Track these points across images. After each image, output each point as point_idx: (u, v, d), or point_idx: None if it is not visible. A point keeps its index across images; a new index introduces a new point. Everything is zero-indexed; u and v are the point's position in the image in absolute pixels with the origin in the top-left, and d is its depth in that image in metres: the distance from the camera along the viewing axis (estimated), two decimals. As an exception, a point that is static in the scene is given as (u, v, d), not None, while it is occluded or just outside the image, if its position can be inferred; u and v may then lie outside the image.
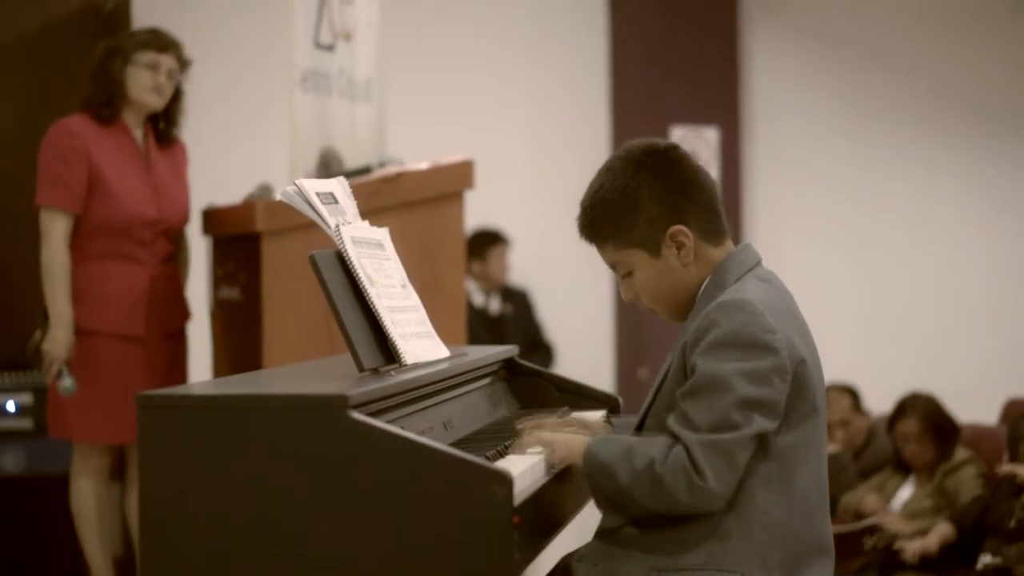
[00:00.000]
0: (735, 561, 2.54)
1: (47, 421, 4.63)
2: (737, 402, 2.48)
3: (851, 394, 6.08)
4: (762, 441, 2.53)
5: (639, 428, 2.71)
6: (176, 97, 4.69)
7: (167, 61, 4.59)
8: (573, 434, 2.76)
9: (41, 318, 4.50)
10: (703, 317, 2.56)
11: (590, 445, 2.62)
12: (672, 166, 2.68)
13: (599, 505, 2.64)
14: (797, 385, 2.55)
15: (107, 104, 4.57)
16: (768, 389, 2.50)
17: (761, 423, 2.50)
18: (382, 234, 3.11)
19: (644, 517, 2.59)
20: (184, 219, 4.72)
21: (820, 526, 2.64)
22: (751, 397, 2.49)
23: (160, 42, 4.60)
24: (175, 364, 4.69)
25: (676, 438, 2.52)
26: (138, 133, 4.64)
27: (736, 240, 2.76)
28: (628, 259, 2.71)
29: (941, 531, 4.94)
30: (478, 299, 7.60)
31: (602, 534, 2.68)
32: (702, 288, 2.68)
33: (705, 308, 2.59)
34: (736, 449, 2.49)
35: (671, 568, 2.57)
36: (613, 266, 2.74)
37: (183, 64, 4.66)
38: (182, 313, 4.75)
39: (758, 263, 2.71)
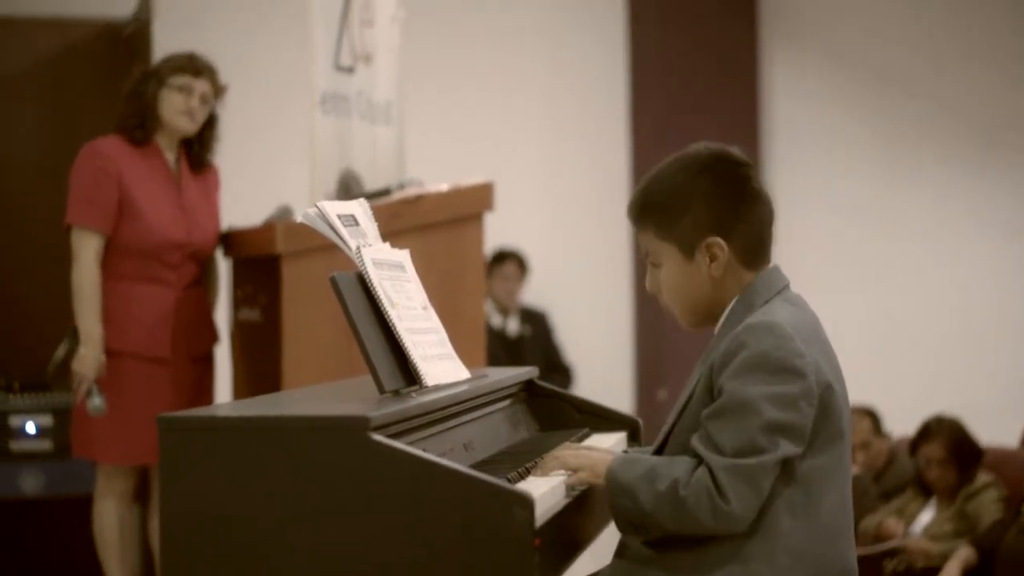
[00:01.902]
0: None
1: (71, 441, 4.63)
2: (763, 427, 2.46)
3: (871, 416, 6.07)
4: (787, 465, 2.51)
5: (660, 449, 2.70)
6: (210, 122, 4.71)
7: (200, 85, 4.61)
8: (595, 453, 2.75)
9: (70, 334, 4.52)
10: (731, 338, 2.54)
11: (613, 465, 2.61)
12: (736, 181, 2.66)
13: (619, 526, 2.63)
14: (824, 410, 2.53)
15: (140, 126, 4.59)
16: (795, 414, 2.48)
17: (787, 448, 2.48)
18: (403, 256, 3.11)
19: (666, 538, 2.57)
20: (213, 243, 4.73)
21: (844, 550, 2.62)
22: (778, 422, 2.47)
23: (194, 66, 4.63)
24: (202, 387, 4.69)
25: (700, 460, 2.51)
26: (170, 156, 4.65)
27: None
28: (662, 252, 2.68)
29: (962, 556, 4.91)
30: (495, 320, 7.60)
31: (622, 554, 2.67)
32: (730, 307, 2.65)
33: (733, 329, 2.57)
34: (760, 474, 2.47)
35: None
36: (647, 253, 2.72)
37: (217, 90, 4.67)
38: (210, 336, 4.75)
39: (786, 286, 2.69)
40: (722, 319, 2.67)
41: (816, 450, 2.54)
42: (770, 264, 2.70)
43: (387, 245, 3.07)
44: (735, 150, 2.71)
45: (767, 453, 2.46)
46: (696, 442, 2.53)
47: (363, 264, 2.88)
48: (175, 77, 4.60)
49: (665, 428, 2.71)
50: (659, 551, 2.59)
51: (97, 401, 4.42)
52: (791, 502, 2.52)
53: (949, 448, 5.30)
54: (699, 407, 2.58)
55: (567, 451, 2.78)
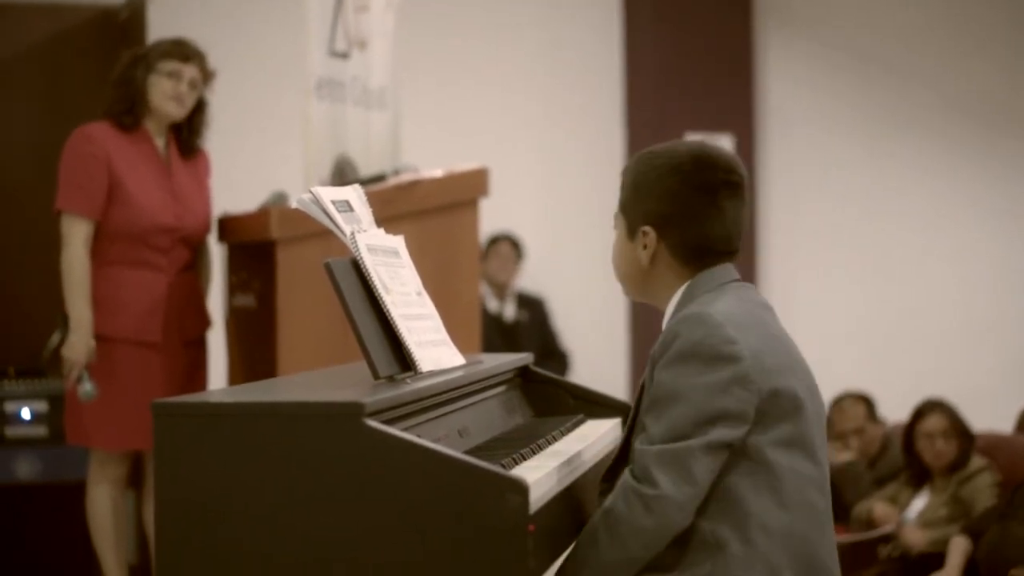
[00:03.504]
0: (739, 568, 2.54)
1: (64, 428, 4.63)
2: (691, 415, 2.53)
3: (866, 402, 6.07)
4: (741, 448, 2.55)
5: (627, 437, 2.73)
6: (199, 108, 4.70)
7: (189, 71, 4.61)
8: None
9: (60, 321, 4.51)
10: (667, 331, 2.64)
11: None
12: (702, 189, 2.72)
13: None
14: (770, 390, 2.57)
15: (128, 111, 4.59)
16: (728, 399, 2.54)
17: (721, 433, 2.53)
18: (397, 242, 3.11)
19: None
20: (205, 228, 4.72)
21: (821, 522, 2.65)
22: (706, 409, 2.53)
23: (183, 52, 4.62)
24: (195, 372, 4.70)
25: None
26: (160, 141, 4.65)
27: (748, 246, 2.79)
28: (617, 221, 2.84)
29: (961, 548, 4.90)
30: (492, 305, 7.60)
31: None
32: (674, 301, 2.75)
33: (671, 321, 2.67)
34: (687, 457, 2.51)
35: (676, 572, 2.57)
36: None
37: (206, 75, 4.67)
38: (202, 321, 4.75)
39: (733, 280, 2.74)
40: (668, 311, 2.77)
41: (769, 429, 2.57)
42: (724, 263, 2.75)
43: (381, 231, 3.07)
44: (725, 159, 2.77)
45: (692, 438, 2.52)
46: (636, 438, 2.60)
47: (357, 250, 2.88)
48: (164, 63, 4.59)
49: (629, 419, 2.78)
50: None
51: (88, 387, 4.42)
52: (755, 482, 2.56)
53: (950, 421, 5.32)
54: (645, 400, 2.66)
55: None
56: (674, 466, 2.51)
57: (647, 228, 2.73)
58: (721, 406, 2.53)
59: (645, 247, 2.75)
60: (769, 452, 2.57)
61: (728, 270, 2.75)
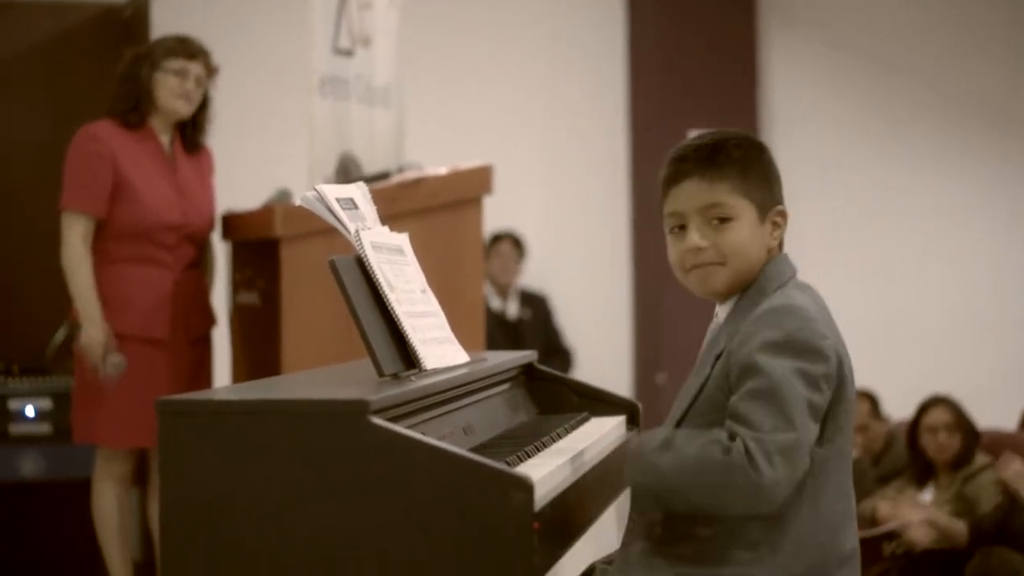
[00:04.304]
0: (762, 572, 2.49)
1: (71, 426, 4.63)
2: (799, 404, 2.43)
3: (870, 399, 6.08)
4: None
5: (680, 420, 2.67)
6: (203, 104, 4.71)
7: (195, 68, 4.61)
8: None
9: (68, 324, 4.53)
10: (753, 321, 2.52)
11: (637, 443, 2.58)
12: (776, 168, 2.70)
13: (636, 503, 2.58)
14: (836, 396, 2.52)
15: (133, 109, 4.59)
16: (819, 395, 2.47)
17: (814, 428, 2.46)
18: (402, 239, 3.11)
19: (671, 524, 2.55)
20: (209, 225, 4.73)
21: (846, 538, 2.60)
22: (809, 400, 2.44)
23: (188, 49, 4.62)
24: (200, 369, 4.70)
25: (734, 438, 2.44)
26: (165, 138, 4.65)
27: None
28: (737, 207, 2.60)
29: (954, 525, 4.92)
30: (495, 303, 7.59)
31: (628, 543, 2.66)
32: (746, 292, 2.62)
33: (745, 313, 2.56)
34: (798, 450, 2.42)
35: (698, 562, 2.52)
36: (709, 207, 2.61)
37: (211, 71, 4.68)
38: (207, 319, 4.75)
39: (796, 273, 2.68)
40: (730, 304, 2.64)
41: (825, 436, 2.51)
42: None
43: (386, 228, 3.06)
44: None
45: (803, 430, 2.43)
46: (729, 425, 2.46)
47: (362, 247, 2.88)
48: (170, 61, 4.59)
49: (676, 413, 2.64)
50: (665, 539, 2.56)
51: (116, 359, 4.41)
52: (799, 489, 2.48)
53: (955, 415, 5.33)
54: (716, 391, 2.54)
55: None
56: (786, 457, 2.40)
57: (782, 208, 2.63)
58: (815, 400, 2.45)
59: (776, 228, 2.63)
60: (819, 459, 2.50)
61: (789, 263, 2.67)
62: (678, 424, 2.62)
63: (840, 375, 2.52)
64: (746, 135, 2.69)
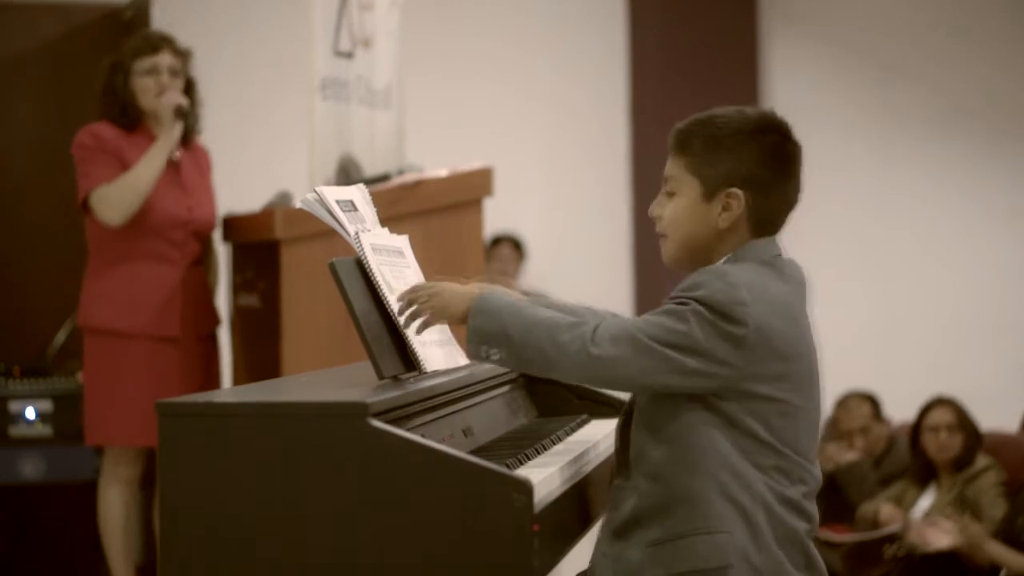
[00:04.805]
0: (720, 522, 2.53)
1: (83, 428, 4.61)
2: (678, 329, 2.52)
3: (871, 401, 6.07)
4: (719, 403, 2.55)
5: (628, 413, 2.72)
6: (189, 89, 4.67)
7: (164, 59, 4.58)
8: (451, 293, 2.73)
9: (67, 326, 4.51)
10: (687, 281, 2.61)
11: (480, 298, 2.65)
12: (784, 156, 2.73)
13: (471, 348, 2.64)
14: (762, 348, 2.55)
15: (123, 114, 4.58)
16: (720, 345, 2.52)
17: (693, 363, 2.52)
18: (402, 242, 3.11)
19: (639, 500, 2.60)
20: (212, 221, 4.72)
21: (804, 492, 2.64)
22: (695, 337, 2.52)
23: (151, 43, 4.60)
24: (210, 367, 4.69)
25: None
26: None
27: None
28: (682, 183, 2.70)
29: (974, 529, 4.90)
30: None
31: (606, 525, 2.70)
32: (719, 263, 2.68)
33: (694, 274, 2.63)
34: (641, 345, 2.52)
35: (665, 539, 2.57)
36: (665, 180, 2.73)
37: (183, 56, 4.64)
38: (213, 316, 4.75)
39: (776, 255, 2.70)
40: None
41: (758, 383, 2.56)
42: (772, 236, 2.73)
43: (386, 230, 3.06)
44: (789, 126, 2.78)
45: (659, 343, 2.52)
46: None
47: (362, 249, 2.88)
48: (138, 62, 4.57)
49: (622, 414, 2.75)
50: (636, 513, 2.61)
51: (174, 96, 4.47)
52: (733, 439, 2.55)
53: (958, 414, 5.33)
54: None
55: (424, 288, 2.76)
56: (627, 346, 2.52)
57: (735, 191, 2.65)
58: (709, 345, 2.52)
59: (726, 210, 2.65)
60: (757, 406, 2.56)
61: (772, 245, 2.71)
62: (631, 403, 2.71)
63: (764, 344, 2.55)
64: (765, 116, 2.74)
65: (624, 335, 2.54)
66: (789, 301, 2.66)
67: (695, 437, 2.56)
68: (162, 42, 4.61)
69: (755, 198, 2.67)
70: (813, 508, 2.66)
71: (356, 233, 2.91)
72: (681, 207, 2.69)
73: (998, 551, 4.83)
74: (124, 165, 4.49)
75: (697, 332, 2.52)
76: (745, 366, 2.54)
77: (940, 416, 5.34)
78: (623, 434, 2.73)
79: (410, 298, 2.75)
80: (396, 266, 3.00)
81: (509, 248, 7.68)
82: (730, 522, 2.53)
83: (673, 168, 2.71)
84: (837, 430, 6.09)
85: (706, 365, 2.53)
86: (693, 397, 2.56)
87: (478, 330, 2.61)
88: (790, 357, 2.60)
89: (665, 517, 2.57)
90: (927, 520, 5.13)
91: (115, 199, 4.42)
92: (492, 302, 2.63)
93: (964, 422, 5.33)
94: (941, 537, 4.97)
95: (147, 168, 4.44)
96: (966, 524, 4.94)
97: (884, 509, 5.35)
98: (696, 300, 2.54)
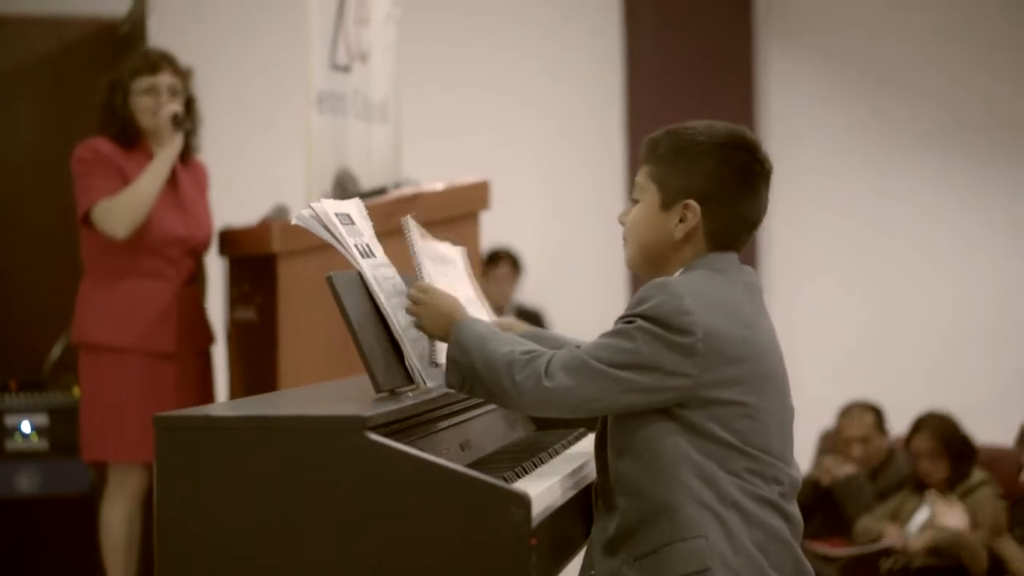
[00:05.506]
0: (695, 527, 2.55)
1: (80, 444, 4.60)
2: (626, 349, 2.58)
3: (875, 412, 6.06)
4: (681, 412, 2.58)
5: (603, 427, 2.74)
6: (189, 107, 4.67)
7: (163, 80, 4.58)
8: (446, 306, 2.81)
9: (63, 340, 4.51)
10: (635, 296, 2.65)
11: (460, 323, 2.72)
12: (748, 174, 2.72)
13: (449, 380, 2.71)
14: (713, 354, 2.57)
15: (123, 132, 4.58)
16: (668, 356, 2.56)
17: (642, 380, 2.56)
18: (457, 253, 3.21)
19: (622, 518, 2.62)
20: (208, 239, 4.72)
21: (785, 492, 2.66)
22: (638, 352, 2.57)
23: (150, 63, 4.60)
24: (205, 383, 4.70)
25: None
26: None
27: (752, 257, 2.78)
28: (644, 190, 2.75)
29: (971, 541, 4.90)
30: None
31: (594, 542, 2.72)
32: (676, 274, 2.72)
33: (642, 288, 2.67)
34: (591, 371, 2.58)
35: (649, 551, 2.59)
36: (634, 185, 2.79)
37: (182, 76, 4.64)
38: (208, 333, 4.75)
39: (724, 271, 2.72)
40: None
41: (718, 388, 2.58)
42: (732, 251, 2.75)
43: (447, 243, 3.21)
44: (759, 144, 2.77)
45: (613, 368, 2.57)
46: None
47: (356, 260, 2.87)
48: (137, 81, 4.57)
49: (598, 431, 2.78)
50: (619, 529, 2.64)
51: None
52: (702, 446, 2.58)
53: (938, 442, 5.32)
54: None
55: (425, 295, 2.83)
56: (578, 370, 2.58)
57: (691, 203, 2.68)
58: (659, 360, 2.56)
59: (682, 221, 2.69)
60: (719, 410, 2.59)
61: (729, 260, 2.73)
62: (603, 425, 2.74)
63: (715, 349, 2.58)
64: (734, 132, 2.76)
65: (575, 363, 2.59)
66: (738, 303, 2.68)
67: (662, 448, 2.59)
68: (162, 61, 4.60)
69: (712, 212, 2.70)
70: (794, 508, 2.68)
71: (354, 245, 2.90)
72: (641, 214, 2.75)
73: (1011, 549, 4.84)
74: (124, 180, 4.49)
75: (644, 348, 2.57)
76: (699, 374, 2.57)
77: (919, 443, 5.35)
78: (600, 456, 2.76)
79: (409, 310, 2.83)
80: (448, 276, 3.05)
81: (507, 268, 7.67)
82: (705, 527, 2.56)
83: (640, 175, 2.77)
84: (838, 438, 6.08)
85: (659, 380, 2.57)
86: (656, 409, 2.60)
87: (454, 361, 2.69)
88: (743, 359, 2.62)
89: (647, 530, 2.60)
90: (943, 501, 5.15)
91: (120, 211, 4.42)
92: (464, 333, 2.69)
93: (946, 444, 5.32)
94: (955, 516, 5.00)
95: (151, 179, 4.45)
96: (968, 530, 4.96)
97: (890, 531, 5.33)
98: (641, 316, 2.59)
